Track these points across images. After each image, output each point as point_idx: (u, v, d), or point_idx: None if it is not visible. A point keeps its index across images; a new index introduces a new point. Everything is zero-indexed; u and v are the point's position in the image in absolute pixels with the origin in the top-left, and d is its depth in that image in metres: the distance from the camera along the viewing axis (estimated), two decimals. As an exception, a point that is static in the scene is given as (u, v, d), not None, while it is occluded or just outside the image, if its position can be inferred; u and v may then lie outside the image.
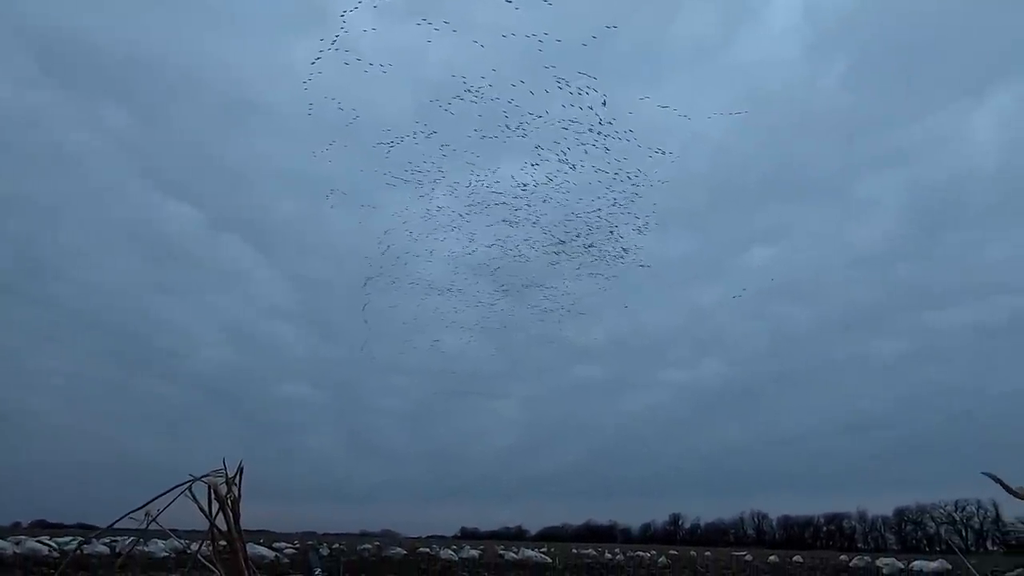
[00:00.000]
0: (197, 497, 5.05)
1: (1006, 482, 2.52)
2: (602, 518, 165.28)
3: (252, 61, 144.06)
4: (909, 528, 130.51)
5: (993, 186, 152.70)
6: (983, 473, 2.58)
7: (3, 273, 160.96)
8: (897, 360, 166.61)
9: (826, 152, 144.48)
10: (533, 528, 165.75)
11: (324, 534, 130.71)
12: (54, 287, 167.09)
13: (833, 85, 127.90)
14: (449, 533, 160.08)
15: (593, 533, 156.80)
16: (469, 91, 37.15)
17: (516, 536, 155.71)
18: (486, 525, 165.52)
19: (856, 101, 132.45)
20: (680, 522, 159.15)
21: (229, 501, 5.07)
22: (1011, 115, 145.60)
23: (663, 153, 35.57)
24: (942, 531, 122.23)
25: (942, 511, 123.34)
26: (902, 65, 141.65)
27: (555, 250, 42.88)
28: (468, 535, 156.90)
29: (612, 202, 39.21)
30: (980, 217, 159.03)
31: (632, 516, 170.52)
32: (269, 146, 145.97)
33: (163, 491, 5.13)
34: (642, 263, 40.90)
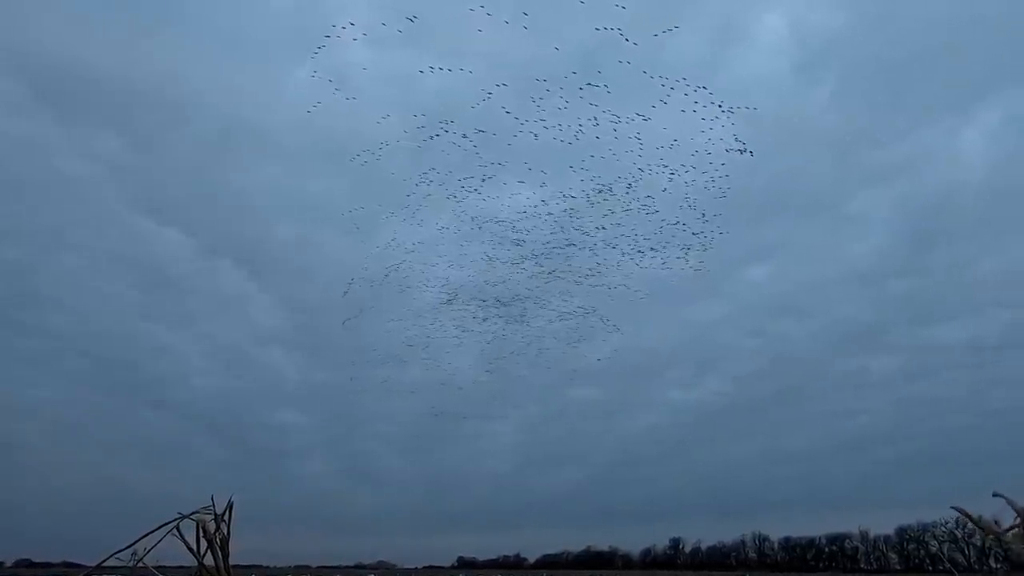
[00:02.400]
0: (186, 534, 4.98)
1: (972, 514, 2.53)
2: (602, 544, 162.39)
3: (247, 88, 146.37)
4: (911, 547, 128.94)
5: (982, 201, 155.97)
6: (951, 507, 2.59)
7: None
8: (894, 376, 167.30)
9: (817, 169, 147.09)
10: (532, 556, 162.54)
11: (319, 567, 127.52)
12: (46, 316, 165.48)
13: (822, 103, 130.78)
14: (446, 563, 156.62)
15: (593, 559, 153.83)
16: (464, 115, 37.82)
17: (515, 565, 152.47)
18: (484, 554, 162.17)
19: (845, 118, 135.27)
20: (681, 546, 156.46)
21: (218, 539, 4.99)
22: (998, 130, 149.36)
23: (742, 152, 35.61)
24: (944, 549, 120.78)
25: (944, 529, 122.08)
26: (889, 83, 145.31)
27: (550, 270, 43.03)
28: (466, 565, 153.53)
29: (610, 222, 39.60)
30: (971, 232, 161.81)
31: (632, 541, 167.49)
32: (263, 172, 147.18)
33: (150, 529, 5.03)
34: (699, 267, 40.28)
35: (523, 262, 41.59)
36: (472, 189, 37.90)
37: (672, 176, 35.66)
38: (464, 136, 35.59)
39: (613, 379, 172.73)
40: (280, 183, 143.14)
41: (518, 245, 39.95)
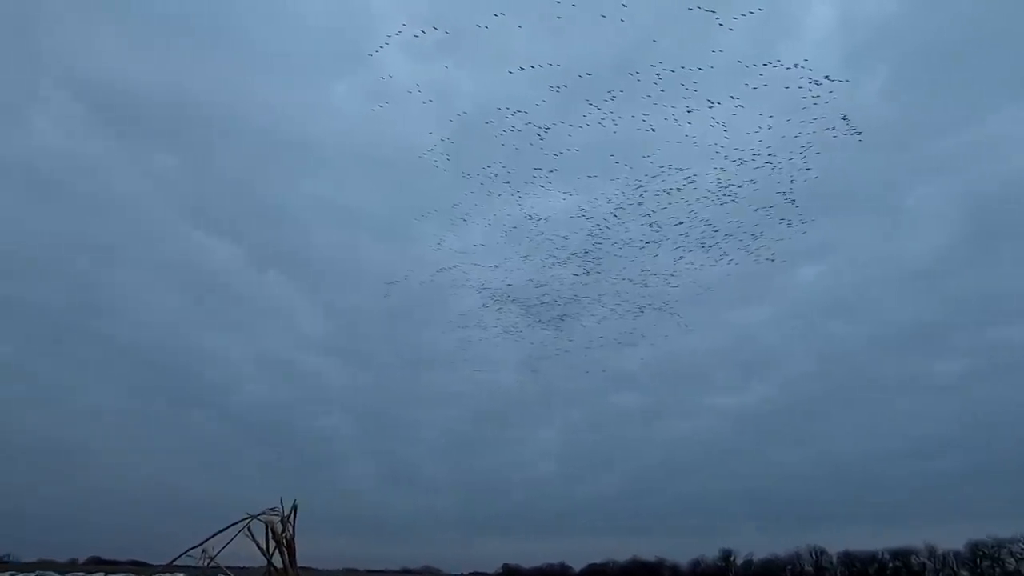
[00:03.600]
0: (254, 535, 5.23)
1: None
2: (649, 553, 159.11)
3: (291, 101, 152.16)
4: (985, 564, 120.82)
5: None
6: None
7: (61, 313, 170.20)
8: (961, 380, 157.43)
9: (870, 162, 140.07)
10: (577, 564, 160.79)
11: (366, 571, 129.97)
12: (108, 326, 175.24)
13: (875, 94, 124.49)
14: (491, 570, 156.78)
15: (640, 569, 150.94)
16: (503, 121, 37.92)
17: (560, 573, 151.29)
18: (529, 561, 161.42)
19: (900, 109, 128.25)
20: (732, 558, 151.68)
21: (285, 539, 5.22)
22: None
23: (857, 134, 33.74)
24: (1023, 568, 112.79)
25: (1022, 545, 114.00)
26: (948, 69, 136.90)
27: (590, 272, 42.34)
28: (511, 572, 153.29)
29: (651, 223, 38.75)
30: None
31: (681, 551, 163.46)
32: (307, 182, 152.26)
33: (221, 528, 5.30)
34: (771, 257, 37.45)
35: (566, 267, 41.22)
36: (520, 199, 37.94)
37: (768, 161, 34.26)
38: (540, 129, 35.40)
39: (658, 383, 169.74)
40: (324, 193, 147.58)
41: (560, 250, 39.53)
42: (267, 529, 4.02)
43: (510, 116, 35.79)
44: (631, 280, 40.36)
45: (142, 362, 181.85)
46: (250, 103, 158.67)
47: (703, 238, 37.86)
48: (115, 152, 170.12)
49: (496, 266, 41.69)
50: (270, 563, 4.02)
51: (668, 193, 36.30)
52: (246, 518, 4.03)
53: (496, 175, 37.42)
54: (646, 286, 40.49)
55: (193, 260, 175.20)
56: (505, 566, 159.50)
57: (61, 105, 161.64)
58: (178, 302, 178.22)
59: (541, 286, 41.30)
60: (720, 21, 32.35)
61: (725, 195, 35.84)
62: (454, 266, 41.41)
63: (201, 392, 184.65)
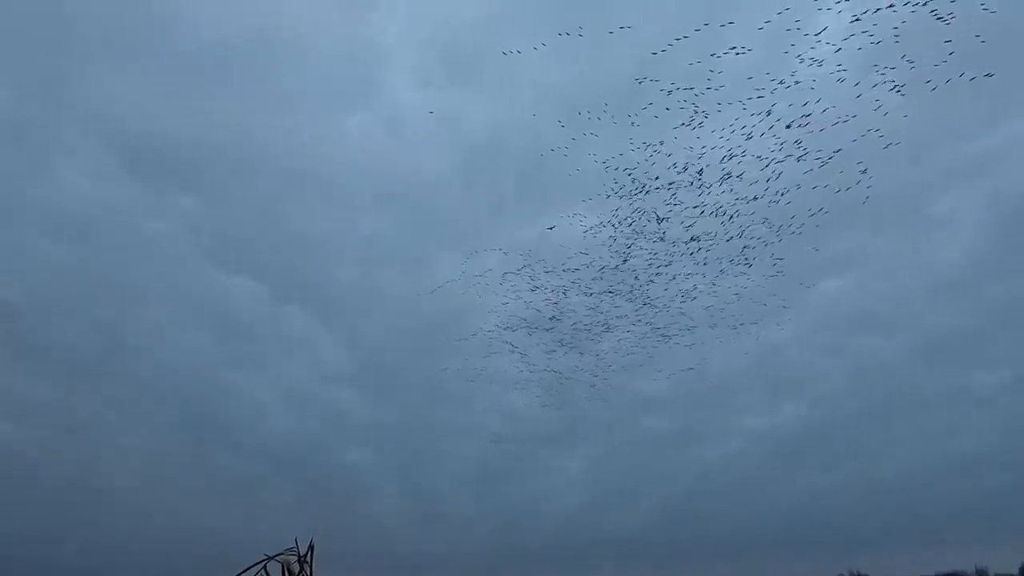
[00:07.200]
0: (271, 575, 5.15)
1: None
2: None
3: (306, 135, 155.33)
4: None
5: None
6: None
7: (91, 356, 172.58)
8: (1003, 390, 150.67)
9: (892, 170, 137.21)
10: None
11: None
12: (133, 366, 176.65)
13: (892, 97, 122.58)
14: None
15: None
16: (517, 144, 37.95)
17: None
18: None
19: (920, 112, 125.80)
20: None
21: (302, 579, 5.14)
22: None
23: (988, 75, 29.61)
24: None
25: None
26: (970, 68, 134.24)
27: (611, 296, 41.60)
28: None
29: (667, 242, 38.11)
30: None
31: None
32: (324, 215, 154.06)
33: (240, 571, 5.22)
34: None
35: (586, 291, 40.53)
36: (536, 223, 37.65)
37: (788, 168, 32.87)
38: (555, 151, 35.07)
39: (686, 406, 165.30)
40: (340, 226, 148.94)
41: (580, 272, 39.01)
42: (283, 570, 3.94)
43: (523, 139, 35.91)
44: (656, 299, 39.58)
45: (166, 400, 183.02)
46: (267, 140, 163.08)
47: (725, 252, 37.16)
48: (139, 195, 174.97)
49: (516, 293, 41.31)
50: (287, 604, 3.96)
51: (687, 209, 35.82)
52: (263, 559, 3.96)
53: (512, 198, 37.50)
54: (672, 304, 39.66)
55: (216, 297, 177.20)
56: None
57: (88, 152, 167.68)
58: (201, 340, 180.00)
59: (563, 310, 40.72)
60: (728, 31, 32.01)
61: (743, 207, 35.20)
62: (475, 293, 41.19)
63: (225, 429, 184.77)
